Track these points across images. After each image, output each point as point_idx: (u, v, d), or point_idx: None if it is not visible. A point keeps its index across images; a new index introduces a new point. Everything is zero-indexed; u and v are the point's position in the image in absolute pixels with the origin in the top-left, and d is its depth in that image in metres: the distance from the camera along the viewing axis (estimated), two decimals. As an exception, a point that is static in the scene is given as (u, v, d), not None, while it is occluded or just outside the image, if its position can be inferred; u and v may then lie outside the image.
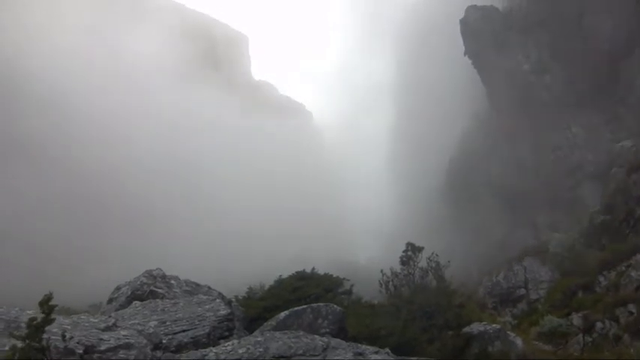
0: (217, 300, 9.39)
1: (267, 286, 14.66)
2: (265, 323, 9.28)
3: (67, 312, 10.33)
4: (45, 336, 5.15)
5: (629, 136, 40.62)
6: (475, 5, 62.37)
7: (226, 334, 8.24)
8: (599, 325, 18.56)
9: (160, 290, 10.92)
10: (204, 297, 9.81)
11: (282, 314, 9.21)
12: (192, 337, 7.72)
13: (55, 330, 5.99)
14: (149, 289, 10.85)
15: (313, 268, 14.79)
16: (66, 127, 71.72)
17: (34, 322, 4.98)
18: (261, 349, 6.84)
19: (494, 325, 13.86)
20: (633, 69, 44.66)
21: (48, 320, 5.07)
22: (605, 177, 40.24)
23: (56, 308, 5.33)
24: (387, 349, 7.56)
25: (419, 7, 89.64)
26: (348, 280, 14.18)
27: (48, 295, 5.09)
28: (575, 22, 49.64)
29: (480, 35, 59.66)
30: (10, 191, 62.09)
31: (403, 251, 17.89)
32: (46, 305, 5.03)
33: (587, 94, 47.10)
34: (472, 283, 35.82)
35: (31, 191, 65.45)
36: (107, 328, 7.41)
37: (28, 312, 6.86)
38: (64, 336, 5.54)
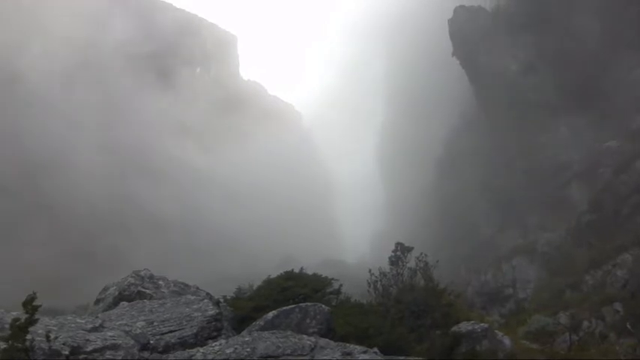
0: (205, 300, 9.34)
1: (255, 286, 14.61)
2: (253, 323, 9.26)
3: (54, 313, 10.27)
4: (30, 337, 5.10)
5: (616, 136, 41.01)
6: (463, 6, 62.71)
7: (214, 334, 8.20)
8: (585, 323, 18.73)
9: (147, 291, 10.84)
10: (192, 297, 9.75)
11: (270, 314, 9.19)
12: (179, 338, 7.67)
13: (40, 331, 5.94)
14: (137, 289, 10.77)
15: (302, 268, 14.75)
16: (55, 129, 71.23)
17: (17, 323, 4.93)
18: (248, 349, 6.82)
19: (482, 324, 13.92)
20: (620, 70, 45.05)
21: (31, 320, 5.01)
22: (592, 177, 40.62)
23: (42, 309, 5.28)
24: (376, 349, 7.56)
25: (408, 7, 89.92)
26: (337, 280, 14.16)
27: (31, 295, 5.03)
28: (562, 23, 50.02)
29: (468, 36, 59.99)
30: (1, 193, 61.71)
31: (392, 251, 17.93)
32: (30, 305, 4.98)
33: (574, 94, 47.46)
34: (461, 282, 35.98)
35: (23, 192, 64.98)
36: (94, 329, 7.36)
37: (13, 313, 6.79)
38: (48, 337, 5.48)
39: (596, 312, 19.86)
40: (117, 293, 10.65)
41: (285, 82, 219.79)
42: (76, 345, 6.55)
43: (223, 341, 7.35)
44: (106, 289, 11.38)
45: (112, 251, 65.69)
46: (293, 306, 9.44)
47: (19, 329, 4.94)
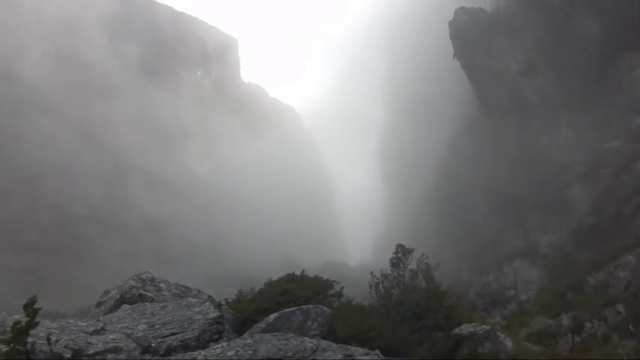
0: (207, 303, 9.34)
1: (257, 289, 14.60)
2: (255, 326, 9.25)
3: (55, 316, 10.26)
4: (31, 340, 5.11)
5: (617, 137, 40.94)
6: (464, 7, 62.78)
7: (216, 336, 8.20)
8: (588, 325, 18.66)
9: (149, 294, 10.86)
10: (194, 300, 9.75)
11: (272, 316, 9.19)
12: (181, 341, 7.68)
13: (42, 334, 5.94)
14: (138, 292, 10.78)
15: (303, 271, 14.74)
16: (54, 131, 71.25)
17: (19, 326, 4.94)
18: (250, 352, 6.82)
19: (484, 326, 13.87)
20: (621, 71, 45.05)
21: (32, 323, 5.02)
22: (593, 178, 40.54)
23: (43, 312, 5.28)
24: (377, 351, 7.56)
25: (408, 9, 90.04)
26: (338, 282, 14.15)
27: (32, 297, 5.04)
28: (563, 24, 50.02)
29: (469, 37, 60.02)
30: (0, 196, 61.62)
31: (393, 253, 17.91)
32: (31, 308, 4.99)
33: (575, 95, 47.44)
34: (462, 284, 35.96)
35: (22, 195, 64.95)
36: (95, 332, 7.36)
37: (15, 316, 6.80)
38: (49, 339, 5.49)
39: (599, 313, 19.78)
40: (118, 296, 10.65)
41: (286, 85, 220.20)
42: (77, 348, 6.55)
43: (225, 344, 7.36)
44: (107, 292, 11.39)
45: (112, 254, 65.69)
46: (294, 308, 9.44)
47: (21, 332, 4.95)
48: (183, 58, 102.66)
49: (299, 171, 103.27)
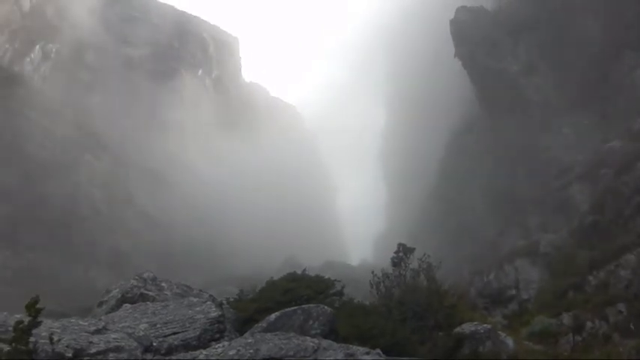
0: (208, 302, 9.35)
1: (258, 289, 14.61)
2: (256, 325, 9.24)
3: (57, 316, 10.28)
4: (33, 339, 5.12)
5: (618, 137, 40.90)
6: (465, 6, 62.80)
7: (217, 336, 8.20)
8: (589, 324, 18.63)
9: (150, 293, 10.86)
10: (195, 299, 9.76)
11: (273, 316, 9.17)
12: (182, 340, 7.68)
13: (43, 334, 5.95)
14: (139, 291, 10.78)
15: (304, 270, 14.75)
16: (55, 130, 71.29)
17: (21, 325, 4.94)
18: (251, 351, 6.82)
19: (485, 325, 13.87)
20: (622, 71, 45.01)
21: (35, 323, 5.03)
22: (594, 177, 40.52)
23: (45, 312, 5.29)
24: (378, 350, 7.55)
25: (410, 8, 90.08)
26: (340, 281, 14.16)
27: (35, 297, 5.05)
28: (564, 24, 50.01)
29: (470, 36, 60.02)
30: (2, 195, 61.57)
31: (394, 252, 17.86)
32: (33, 308, 4.99)
33: (576, 95, 47.43)
34: (463, 283, 35.90)
35: (21, 195, 64.95)
36: (97, 331, 7.36)
37: (17, 316, 6.81)
38: (51, 339, 5.49)
39: (600, 313, 19.75)
40: (120, 295, 10.66)
41: (287, 84, 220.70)
42: (79, 347, 6.55)
43: (226, 343, 7.37)
44: (108, 291, 11.39)
45: (114, 253, 65.71)
46: (296, 307, 9.42)
47: (23, 332, 4.96)
48: (184, 57, 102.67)
49: (300, 170, 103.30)
